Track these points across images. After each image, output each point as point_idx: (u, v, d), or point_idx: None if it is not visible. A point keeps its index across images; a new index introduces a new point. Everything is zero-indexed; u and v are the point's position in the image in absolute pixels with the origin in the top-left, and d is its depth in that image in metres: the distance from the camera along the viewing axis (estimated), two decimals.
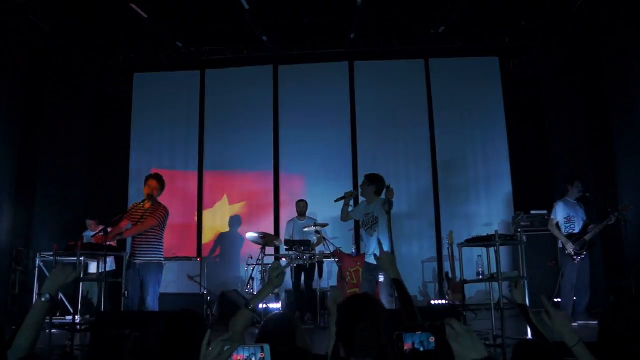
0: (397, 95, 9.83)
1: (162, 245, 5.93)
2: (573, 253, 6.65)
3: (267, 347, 1.55)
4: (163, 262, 5.97)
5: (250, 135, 9.85)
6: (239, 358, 1.53)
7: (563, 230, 6.79)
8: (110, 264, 6.13)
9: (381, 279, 5.76)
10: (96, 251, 5.67)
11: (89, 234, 7.49)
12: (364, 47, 9.69)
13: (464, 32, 9.39)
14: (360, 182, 6.19)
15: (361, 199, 6.27)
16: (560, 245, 6.84)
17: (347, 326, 2.50)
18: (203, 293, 7.69)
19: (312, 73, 10.04)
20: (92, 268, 7.28)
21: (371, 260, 5.78)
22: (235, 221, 9.57)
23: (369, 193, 5.95)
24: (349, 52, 9.79)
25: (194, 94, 10.07)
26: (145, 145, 10.00)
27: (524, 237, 6.17)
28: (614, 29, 7.79)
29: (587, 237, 6.66)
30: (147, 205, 5.83)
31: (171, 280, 8.25)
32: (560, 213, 6.87)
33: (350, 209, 6.16)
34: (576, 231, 6.79)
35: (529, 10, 8.71)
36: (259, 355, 1.53)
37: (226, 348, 1.51)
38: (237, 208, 9.69)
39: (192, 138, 9.94)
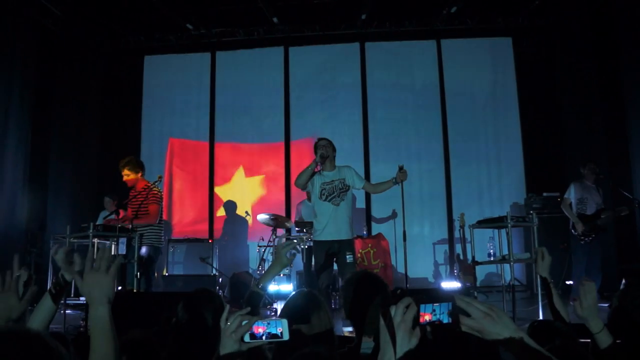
0: (408, 76, 9.77)
1: (159, 229, 6.04)
2: (580, 233, 6.64)
3: (284, 321, 1.57)
4: (159, 246, 6.09)
5: (262, 118, 9.86)
6: (258, 330, 1.55)
7: (574, 210, 6.77)
8: (121, 247, 6.19)
9: (349, 259, 5.13)
10: (108, 233, 5.72)
11: (103, 215, 7.56)
12: (375, 28, 9.60)
13: (476, 12, 9.24)
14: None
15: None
16: (572, 227, 6.82)
17: (361, 304, 2.53)
18: (214, 274, 7.74)
19: (323, 54, 9.97)
20: None
21: (329, 237, 5.17)
22: (246, 203, 9.60)
23: (332, 159, 5.34)
24: (360, 33, 9.69)
25: (204, 76, 10.06)
26: (156, 127, 10.05)
27: (536, 219, 6.14)
28: (630, 7, 7.64)
29: (598, 222, 6.64)
30: (139, 186, 6.00)
31: (182, 262, 8.33)
32: (573, 193, 6.87)
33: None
34: (588, 213, 6.76)
35: None
36: (278, 329, 1.55)
37: (244, 322, 1.55)
38: (248, 189, 9.71)
39: (203, 120, 9.95)
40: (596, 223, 6.67)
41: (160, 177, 6.17)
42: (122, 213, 6.30)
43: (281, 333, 1.56)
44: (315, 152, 5.31)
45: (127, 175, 6.04)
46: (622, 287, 5.48)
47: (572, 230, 6.79)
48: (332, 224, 5.15)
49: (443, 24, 9.43)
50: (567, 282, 7.40)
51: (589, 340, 2.61)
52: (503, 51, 9.74)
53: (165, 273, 8.08)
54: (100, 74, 9.68)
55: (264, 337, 1.55)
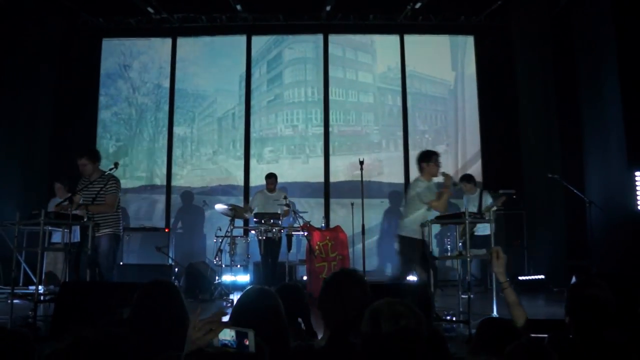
0: (370, 70, 9.81)
1: (117, 216, 5.89)
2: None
3: (251, 332, 1.54)
4: (119, 234, 5.93)
5: (222, 106, 9.74)
6: (225, 339, 1.54)
7: None
8: (74, 235, 6.01)
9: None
10: (60, 220, 5.54)
11: (54, 202, 7.30)
12: (340, 20, 9.58)
13: (440, 10, 9.33)
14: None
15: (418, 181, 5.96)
16: None
17: (331, 300, 2.51)
18: (170, 264, 7.62)
19: (286, 44, 9.89)
20: (57, 237, 7.12)
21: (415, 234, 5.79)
22: (204, 192, 9.46)
23: None
24: (324, 24, 9.66)
25: (164, 61, 9.83)
26: (114, 111, 9.79)
27: (492, 216, 6.28)
28: (587, 12, 7.87)
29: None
30: (94, 176, 5.81)
31: (137, 251, 8.17)
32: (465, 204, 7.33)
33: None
34: None
35: None
36: (244, 341, 1.53)
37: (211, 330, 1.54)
38: (207, 180, 9.60)
39: (162, 106, 9.76)
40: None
41: (116, 164, 5.99)
42: (75, 199, 6.09)
43: (247, 344, 1.53)
44: (428, 160, 5.83)
45: (84, 165, 5.84)
46: (572, 282, 5.65)
47: None
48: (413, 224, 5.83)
49: (407, 19, 9.48)
50: (520, 278, 7.61)
51: (544, 336, 2.68)
52: (465, 49, 9.87)
53: (120, 262, 7.89)
54: (54, 55, 9.30)
55: (229, 347, 1.54)
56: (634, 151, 6.95)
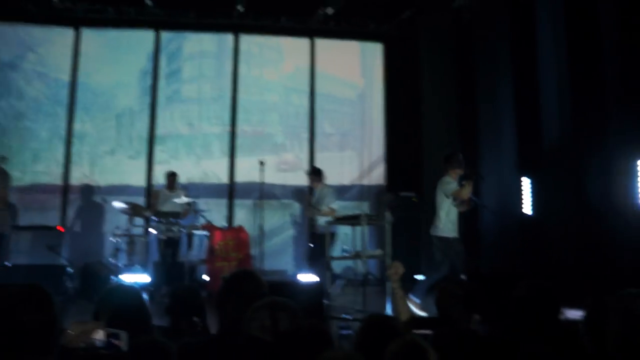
0: (276, 69, 9.90)
1: (4, 213, 5.60)
2: None
3: (124, 333, 1.62)
4: (5, 232, 5.65)
5: (121, 102, 9.44)
6: (99, 338, 1.60)
7: None
8: None
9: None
10: None
11: None
12: (251, 21, 9.54)
13: (351, 16, 9.52)
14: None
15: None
16: None
17: (228, 297, 2.54)
18: (63, 264, 7.28)
19: (195, 42, 9.76)
20: None
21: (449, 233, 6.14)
22: (102, 190, 9.09)
23: None
24: (236, 24, 9.58)
25: (63, 53, 9.34)
26: (3, 104, 9.17)
27: (390, 217, 6.47)
28: (487, 27, 8.33)
29: None
30: None
31: (27, 251, 7.72)
32: None
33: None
34: None
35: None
36: (116, 341, 1.60)
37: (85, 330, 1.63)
38: (105, 178, 9.20)
39: (60, 100, 9.25)
40: None
41: (3, 158, 5.69)
42: None
43: (119, 345, 1.61)
44: (449, 163, 6.19)
45: None
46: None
47: None
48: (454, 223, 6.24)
49: (318, 23, 9.60)
50: (417, 277, 7.87)
51: (428, 332, 2.81)
52: (374, 56, 10.11)
53: (7, 263, 7.43)
54: None
55: (103, 346, 1.59)
56: (523, 158, 7.40)
